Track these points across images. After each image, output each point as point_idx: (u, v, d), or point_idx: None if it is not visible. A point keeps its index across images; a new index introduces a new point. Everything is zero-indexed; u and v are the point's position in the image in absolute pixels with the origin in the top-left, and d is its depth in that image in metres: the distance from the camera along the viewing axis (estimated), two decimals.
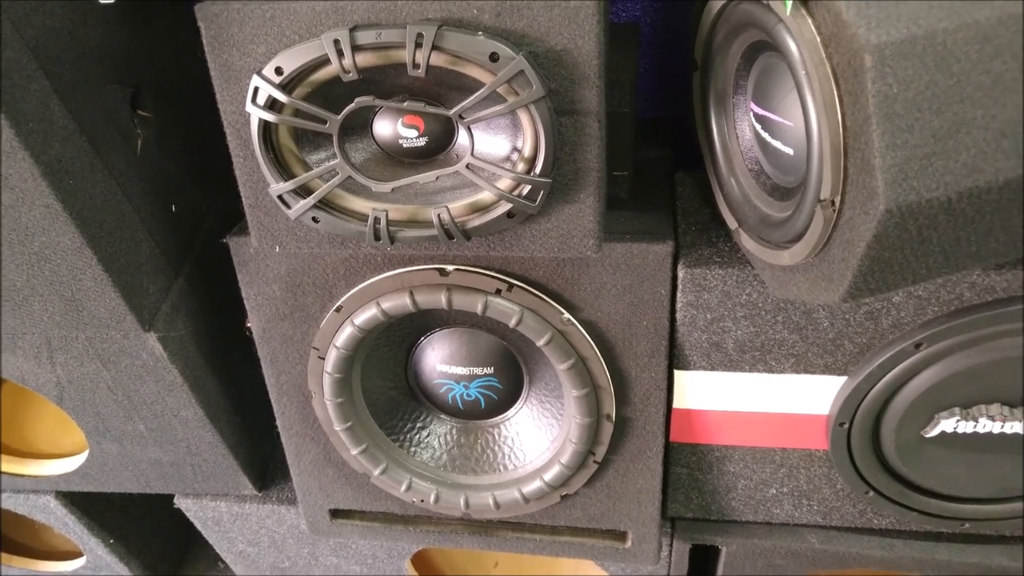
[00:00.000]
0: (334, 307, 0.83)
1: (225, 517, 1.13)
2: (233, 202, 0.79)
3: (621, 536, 0.97)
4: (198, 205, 0.96)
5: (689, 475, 0.94)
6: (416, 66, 0.62)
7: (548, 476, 0.89)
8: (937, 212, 0.52)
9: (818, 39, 0.53)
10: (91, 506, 1.20)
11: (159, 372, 0.90)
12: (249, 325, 0.89)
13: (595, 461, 0.88)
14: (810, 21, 0.53)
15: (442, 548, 1.31)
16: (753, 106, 0.69)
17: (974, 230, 0.55)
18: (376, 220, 0.72)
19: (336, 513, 1.04)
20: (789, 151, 0.64)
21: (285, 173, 0.71)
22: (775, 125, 0.65)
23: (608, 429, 0.86)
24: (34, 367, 0.92)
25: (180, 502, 1.12)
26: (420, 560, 1.27)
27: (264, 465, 1.12)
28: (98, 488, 1.11)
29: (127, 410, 0.96)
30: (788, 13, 0.54)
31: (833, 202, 0.55)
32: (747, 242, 0.73)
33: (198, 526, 1.17)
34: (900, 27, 0.49)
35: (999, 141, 0.50)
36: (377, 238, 0.72)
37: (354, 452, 0.92)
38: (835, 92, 0.52)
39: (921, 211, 0.52)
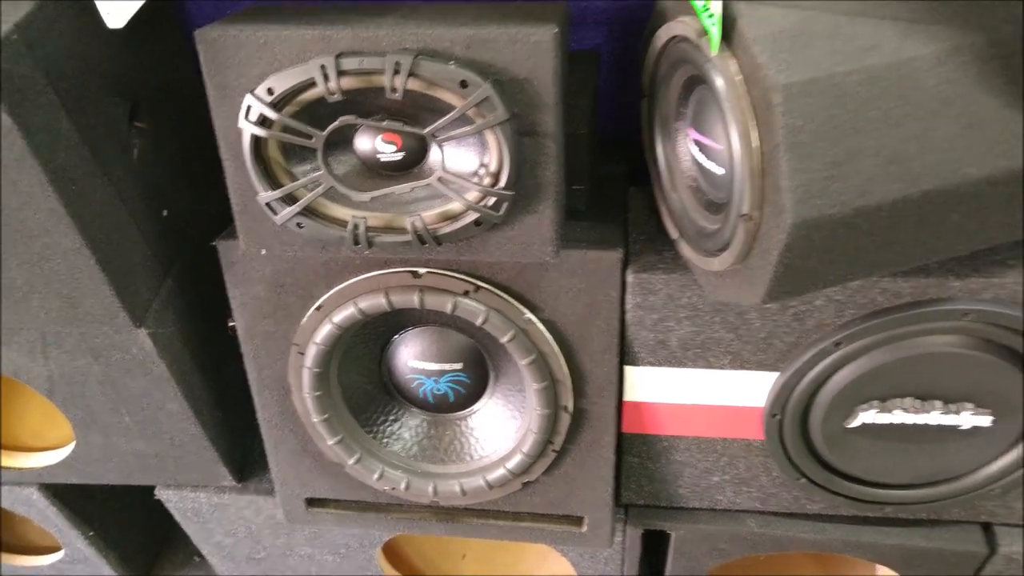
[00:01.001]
0: (314, 306, 0.90)
1: (204, 508, 1.19)
2: (219, 209, 0.86)
3: (578, 521, 1.05)
4: (187, 211, 1.03)
5: (640, 464, 1.02)
6: (394, 90, 0.70)
7: (511, 464, 0.97)
8: (837, 226, 0.61)
9: (739, 77, 0.62)
10: (73, 499, 1.25)
11: (148, 366, 0.96)
12: (232, 324, 0.96)
13: (553, 450, 0.96)
14: (733, 62, 0.62)
15: (412, 542, 1.38)
16: (691, 131, 0.78)
17: (871, 242, 0.64)
18: (355, 226, 0.79)
19: (312, 502, 1.10)
20: (720, 171, 0.73)
21: (273, 183, 0.78)
22: (708, 148, 0.74)
23: (565, 420, 0.94)
24: (27, 361, 0.97)
25: (161, 493, 1.17)
26: (391, 553, 1.34)
27: (243, 458, 1.18)
28: (82, 480, 1.16)
29: (115, 403, 1.02)
30: (715, 54, 0.63)
31: (752, 216, 0.64)
32: (686, 250, 0.82)
33: (177, 517, 1.22)
34: (805, 70, 0.58)
35: (887, 167, 0.60)
36: (356, 243, 0.80)
37: (330, 442, 0.99)
38: (753, 122, 0.61)
39: (824, 225, 0.61)
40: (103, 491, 1.28)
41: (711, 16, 0.63)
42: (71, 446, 1.11)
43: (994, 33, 0.61)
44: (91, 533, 1.29)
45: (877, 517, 1.03)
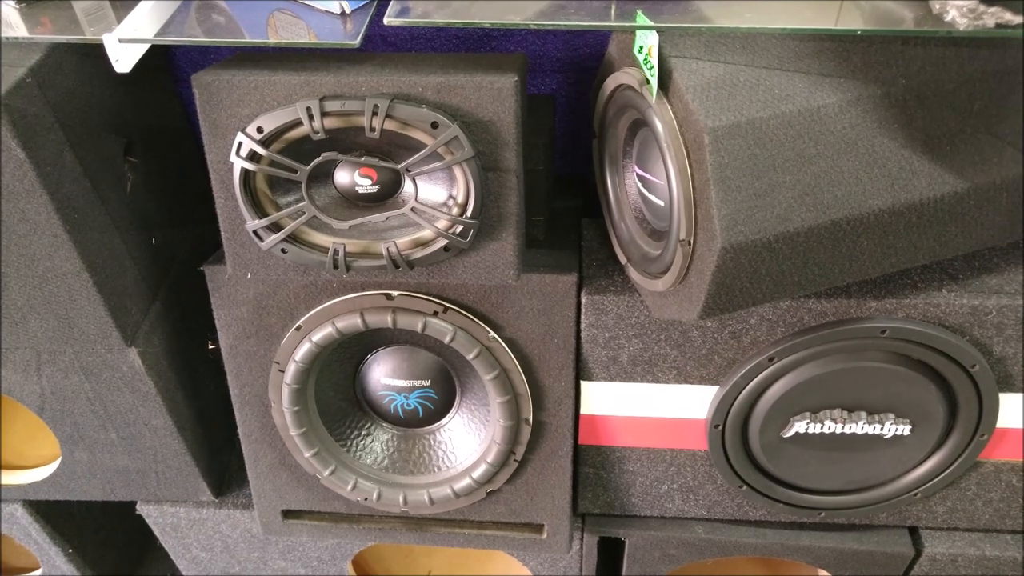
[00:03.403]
0: (294, 326, 0.97)
1: (183, 523, 1.24)
2: (203, 238, 0.93)
3: (538, 528, 1.13)
4: (173, 239, 1.10)
5: (596, 474, 1.10)
6: (372, 130, 0.79)
7: (476, 474, 1.04)
8: (761, 250, 0.71)
9: (675, 121, 0.71)
10: (54, 516, 1.29)
11: (136, 384, 1.02)
12: (213, 347, 1.02)
13: (515, 460, 1.04)
14: (669, 108, 0.72)
15: (380, 560, 1.43)
16: (636, 168, 0.88)
17: (792, 264, 0.74)
18: (335, 252, 0.87)
19: (288, 513, 1.16)
20: (661, 203, 0.82)
21: (260, 212, 0.86)
22: (651, 183, 0.83)
23: (526, 431, 1.01)
24: (21, 379, 1.03)
25: (142, 508, 1.22)
26: (361, 570, 1.39)
27: (221, 473, 1.24)
28: (67, 496, 1.20)
29: (102, 419, 1.07)
30: (654, 101, 0.73)
31: (689, 241, 0.74)
32: (634, 274, 0.91)
33: (156, 532, 1.27)
34: (730, 115, 0.68)
35: (802, 198, 0.69)
36: (335, 267, 0.88)
37: (307, 455, 1.06)
38: (687, 160, 0.71)
39: (749, 249, 0.70)
40: (81, 509, 1.32)
41: (651, 68, 0.73)
42: (56, 463, 1.16)
43: (891, 86, 0.72)
44: (70, 550, 1.33)
45: (813, 522, 1.11)
